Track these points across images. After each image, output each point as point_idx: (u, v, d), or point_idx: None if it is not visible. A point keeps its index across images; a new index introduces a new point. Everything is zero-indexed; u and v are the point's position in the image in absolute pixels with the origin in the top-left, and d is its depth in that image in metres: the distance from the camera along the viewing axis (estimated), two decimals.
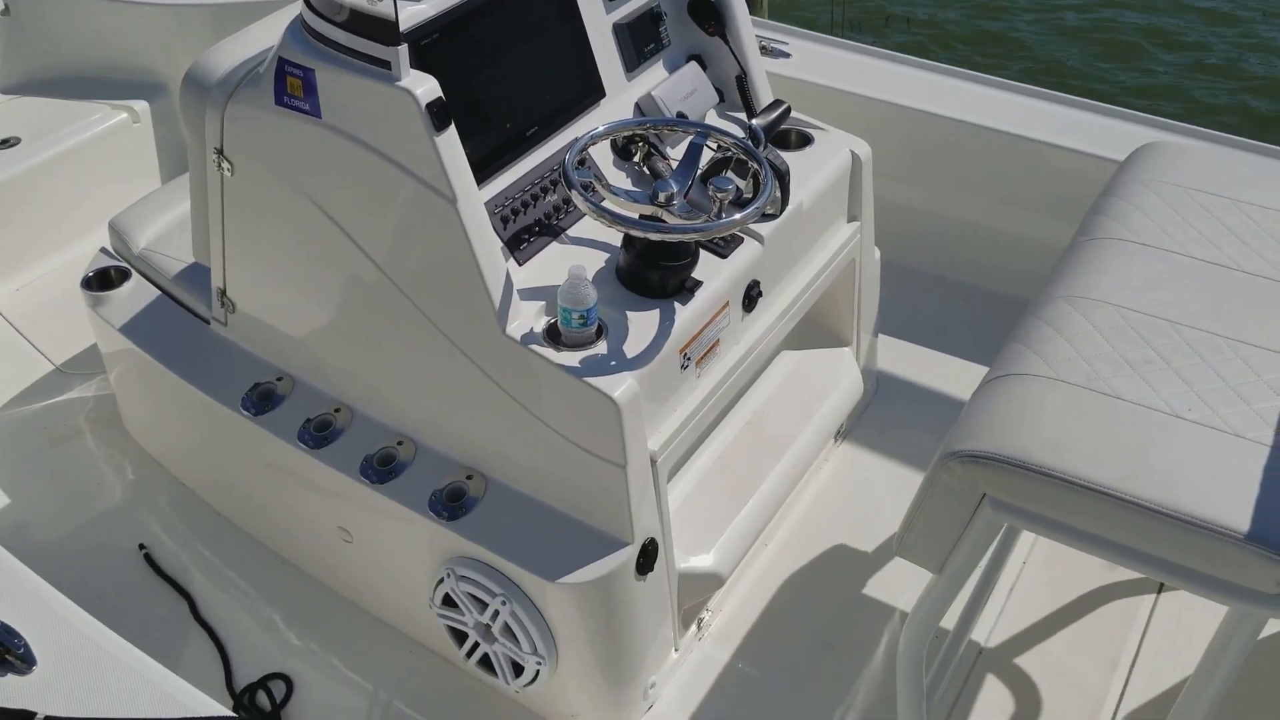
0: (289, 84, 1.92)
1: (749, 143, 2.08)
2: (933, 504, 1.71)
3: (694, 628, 2.27)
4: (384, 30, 1.76)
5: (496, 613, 1.98)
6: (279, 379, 2.28)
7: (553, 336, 1.88)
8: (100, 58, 3.61)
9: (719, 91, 2.43)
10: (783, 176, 2.17)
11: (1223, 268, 1.92)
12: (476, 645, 2.08)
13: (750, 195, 2.06)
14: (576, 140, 1.96)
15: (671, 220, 1.90)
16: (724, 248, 2.10)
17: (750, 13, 2.51)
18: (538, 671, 2.01)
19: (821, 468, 2.64)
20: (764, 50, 3.12)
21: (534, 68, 2.07)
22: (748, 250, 2.12)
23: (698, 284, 2.02)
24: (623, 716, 2.12)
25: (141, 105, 3.49)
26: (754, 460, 2.32)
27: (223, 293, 2.31)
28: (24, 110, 3.48)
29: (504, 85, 2.01)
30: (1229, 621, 1.63)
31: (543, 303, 1.95)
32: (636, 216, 1.88)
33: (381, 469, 2.09)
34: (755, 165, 2.01)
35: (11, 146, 3.30)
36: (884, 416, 2.76)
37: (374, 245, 1.97)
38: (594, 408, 1.83)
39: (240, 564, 2.47)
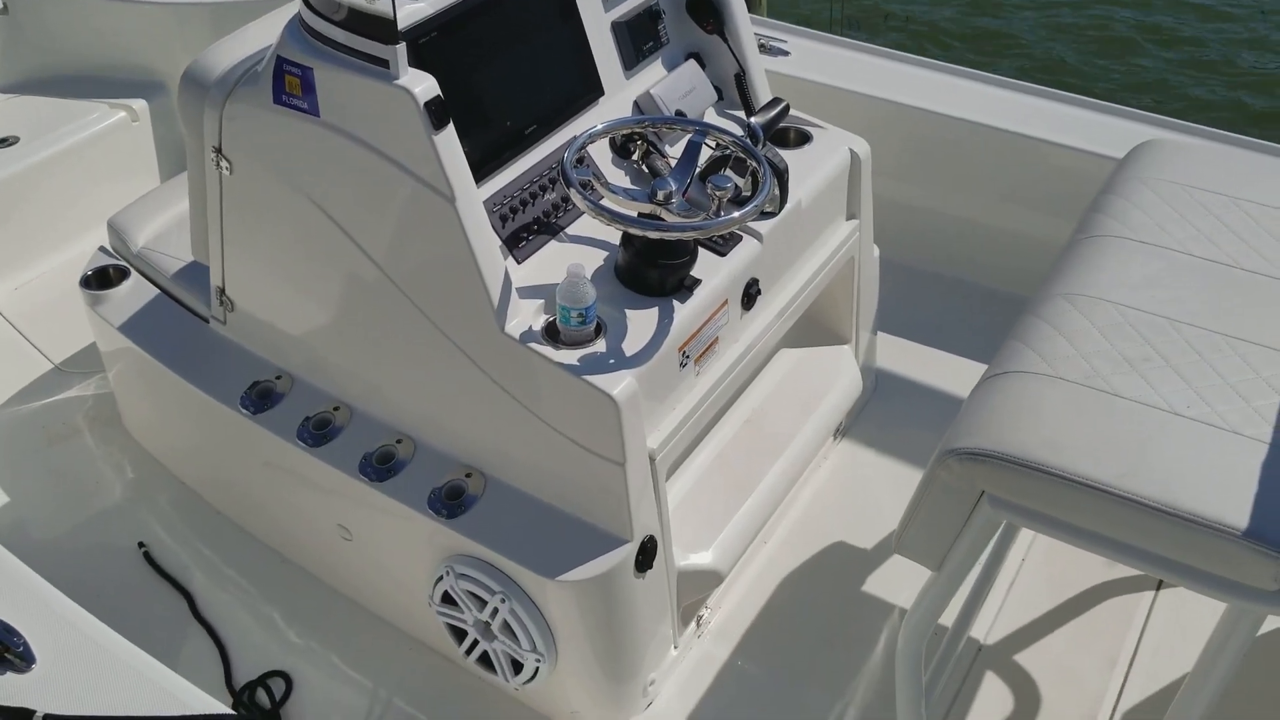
0: (287, 82, 1.92)
1: (748, 141, 2.07)
2: (931, 501, 1.72)
3: (693, 625, 2.27)
4: (382, 29, 1.76)
5: (496, 610, 1.98)
6: (278, 377, 2.28)
7: (551, 335, 1.88)
8: (99, 56, 3.61)
9: (718, 89, 2.43)
10: (781, 174, 2.17)
11: (1221, 265, 1.92)
12: (476, 643, 2.08)
13: (749, 193, 2.07)
14: (575, 138, 1.96)
15: (670, 218, 1.90)
16: (723, 246, 2.10)
17: (749, 11, 2.51)
18: (537, 669, 2.01)
19: (820, 465, 2.64)
20: (763, 48, 3.12)
21: (532, 66, 2.07)
22: (746, 248, 2.12)
23: (696, 282, 2.02)
24: (622, 713, 2.12)
25: (140, 104, 3.49)
26: (753, 458, 2.32)
27: (221, 291, 2.31)
28: (23, 109, 3.47)
29: (502, 83, 2.01)
30: (1227, 618, 1.63)
31: (541, 301, 1.95)
32: (635, 214, 1.88)
33: (381, 467, 2.10)
34: (754, 163, 2.01)
35: (10, 145, 3.30)
36: (883, 414, 2.77)
37: (373, 244, 1.97)
38: (593, 406, 1.84)
39: (240, 562, 2.47)
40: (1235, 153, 2.36)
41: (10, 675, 1.50)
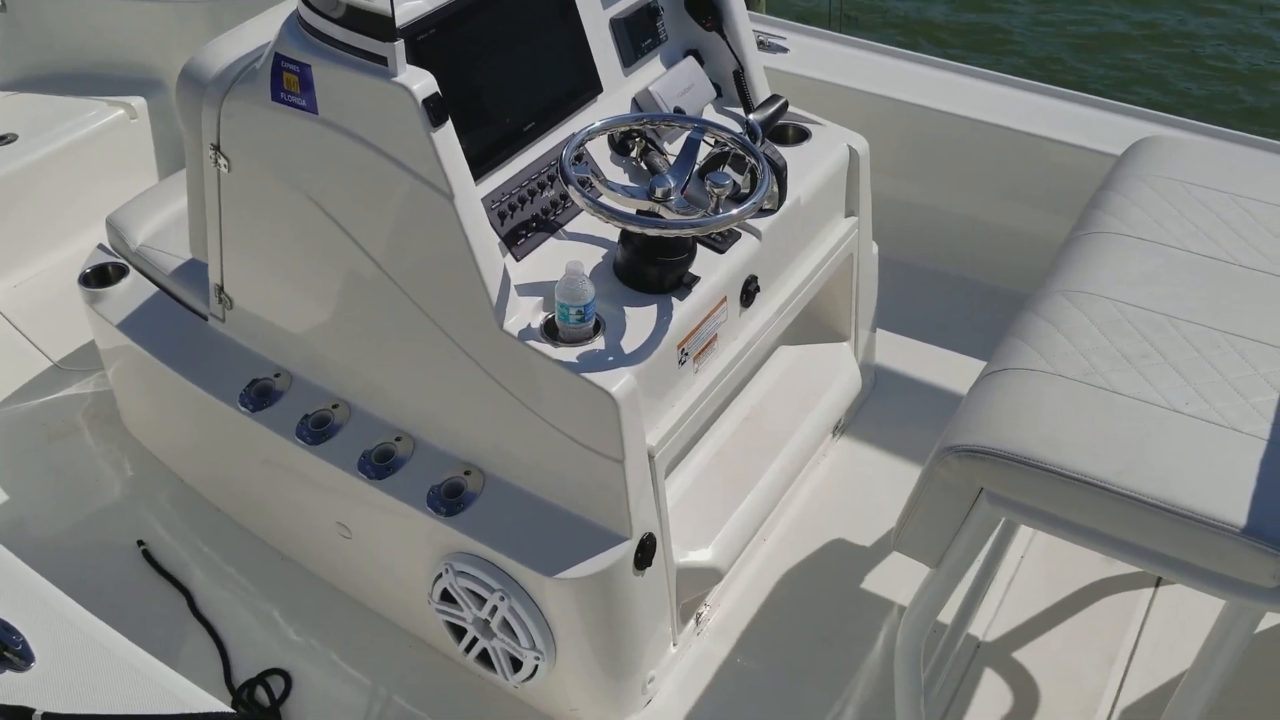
0: (285, 80, 1.92)
1: (746, 138, 2.07)
2: (930, 498, 1.72)
3: (692, 622, 2.27)
4: (380, 26, 1.76)
5: (495, 608, 1.98)
6: (277, 375, 2.28)
7: (550, 332, 1.88)
8: (97, 54, 3.61)
9: (716, 86, 2.43)
10: (780, 172, 2.17)
11: (1220, 262, 1.92)
12: (475, 640, 2.08)
13: (747, 190, 2.06)
14: (573, 135, 1.96)
15: (669, 215, 1.90)
16: (721, 243, 2.10)
17: (748, 8, 2.51)
18: (536, 666, 2.01)
19: (819, 463, 2.64)
20: (761, 45, 3.12)
21: (531, 63, 2.07)
22: (745, 245, 2.12)
23: (695, 279, 2.02)
24: (621, 711, 2.13)
25: (138, 101, 3.49)
26: (752, 455, 2.32)
27: (220, 289, 2.31)
28: (21, 106, 3.47)
29: (501, 81, 2.01)
30: (1226, 615, 1.63)
31: (540, 298, 1.95)
32: (634, 212, 1.88)
33: (380, 465, 2.09)
34: (752, 160, 2.01)
35: (8, 143, 3.30)
36: (882, 411, 2.77)
37: (371, 241, 1.97)
38: (592, 403, 1.83)
39: (239, 560, 2.47)
40: (1234, 149, 2.35)
41: (9, 674, 1.50)
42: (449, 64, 1.91)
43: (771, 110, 2.28)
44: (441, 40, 1.91)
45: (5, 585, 1.64)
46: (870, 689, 2.19)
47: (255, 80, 1.98)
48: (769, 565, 2.42)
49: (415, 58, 1.85)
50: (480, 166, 1.97)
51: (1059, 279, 1.92)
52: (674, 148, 2.24)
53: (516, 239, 2.01)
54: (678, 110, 2.30)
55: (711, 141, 2.09)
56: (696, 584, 2.17)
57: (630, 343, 1.90)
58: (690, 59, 2.40)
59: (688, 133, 2.06)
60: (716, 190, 1.92)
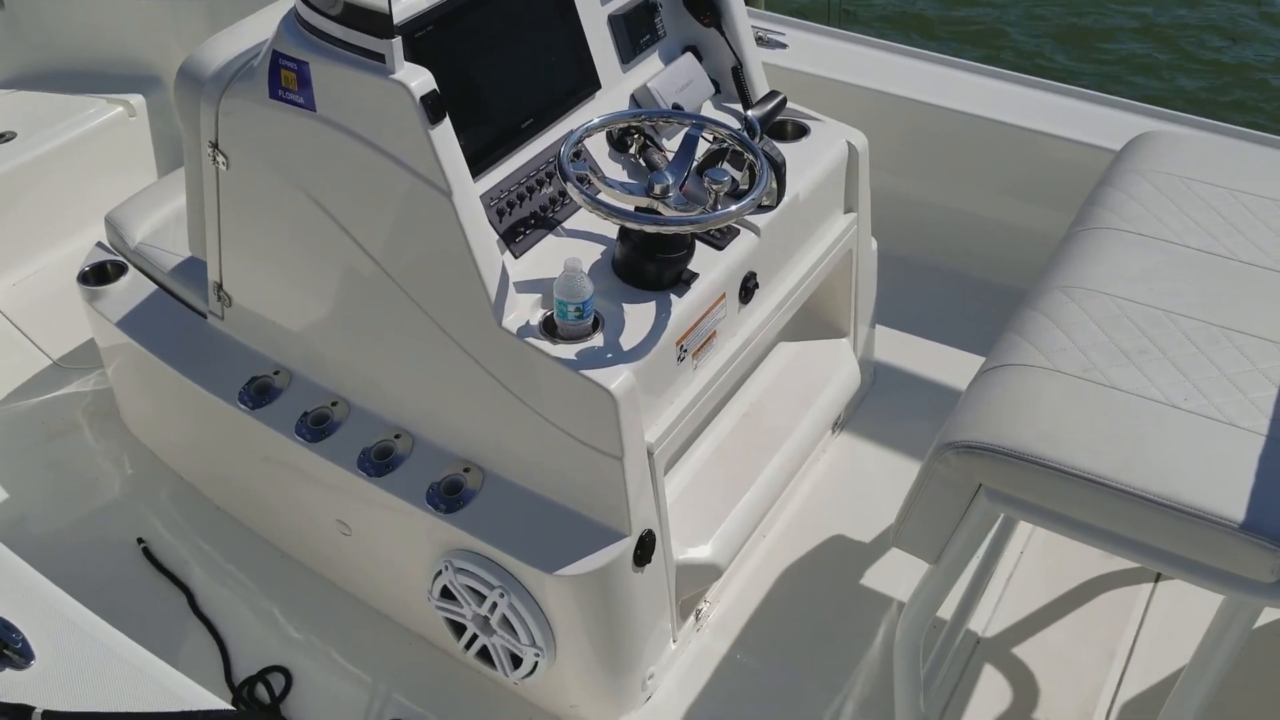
0: (283, 77, 1.92)
1: (745, 134, 2.07)
2: (929, 494, 1.72)
3: (692, 619, 2.27)
4: (378, 23, 1.76)
5: (495, 605, 1.98)
6: (276, 372, 2.28)
7: (549, 329, 1.88)
8: (95, 51, 3.61)
9: (715, 83, 2.43)
10: (779, 168, 2.17)
11: (1218, 257, 1.92)
12: (475, 637, 2.08)
13: (746, 187, 2.06)
14: (572, 132, 1.96)
15: (667, 212, 1.90)
16: (720, 239, 2.10)
17: (746, 3, 2.50)
18: (536, 663, 2.01)
19: (819, 459, 2.64)
20: (760, 41, 3.12)
21: (529, 60, 2.07)
22: (744, 242, 2.12)
23: (694, 276, 2.02)
24: (621, 707, 2.13)
25: (137, 99, 3.49)
26: (751, 451, 2.32)
27: (219, 286, 2.31)
28: (19, 104, 3.47)
29: (499, 77, 2.01)
30: (1225, 610, 1.63)
31: (539, 295, 1.94)
32: (632, 209, 1.88)
33: (379, 462, 2.10)
34: (751, 157, 2.01)
35: (7, 141, 3.30)
36: (881, 407, 2.77)
37: (370, 239, 1.97)
38: (590, 400, 1.84)
39: (239, 557, 2.47)
40: (1232, 144, 2.35)
41: (9, 672, 1.50)
42: (447, 61, 1.91)
43: (770, 106, 2.28)
44: (439, 37, 1.91)
45: (5, 583, 1.64)
46: (870, 685, 2.20)
47: (253, 78, 1.98)
48: (768, 561, 2.42)
49: (413, 55, 1.85)
50: (478, 163, 1.97)
51: (1057, 274, 1.92)
52: (672, 144, 2.24)
53: (515, 236, 2.01)
54: (676, 107, 2.30)
55: (710, 138, 2.09)
56: (696, 580, 2.17)
57: (629, 340, 1.90)
58: (689, 55, 2.40)
59: (686, 129, 2.06)
60: (715, 187, 1.92)
